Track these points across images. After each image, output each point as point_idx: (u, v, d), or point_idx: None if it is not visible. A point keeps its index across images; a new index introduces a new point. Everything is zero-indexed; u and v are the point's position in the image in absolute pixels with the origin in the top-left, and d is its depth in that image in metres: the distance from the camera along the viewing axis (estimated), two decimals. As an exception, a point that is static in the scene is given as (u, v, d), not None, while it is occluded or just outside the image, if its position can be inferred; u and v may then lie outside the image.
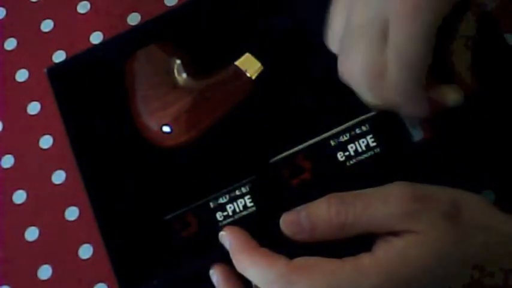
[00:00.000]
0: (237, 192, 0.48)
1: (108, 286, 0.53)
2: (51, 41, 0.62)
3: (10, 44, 0.63)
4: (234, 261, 0.39)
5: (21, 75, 0.61)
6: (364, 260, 0.36)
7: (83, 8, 0.63)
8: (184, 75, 0.51)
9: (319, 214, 0.38)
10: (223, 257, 0.43)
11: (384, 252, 0.36)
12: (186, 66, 0.52)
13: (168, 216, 0.49)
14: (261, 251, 0.38)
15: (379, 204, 0.37)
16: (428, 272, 0.35)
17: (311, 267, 0.36)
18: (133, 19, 0.62)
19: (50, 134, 0.59)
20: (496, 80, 0.48)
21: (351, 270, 0.35)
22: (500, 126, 0.47)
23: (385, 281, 0.35)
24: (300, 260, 0.37)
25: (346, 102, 0.46)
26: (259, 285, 0.37)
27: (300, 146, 0.46)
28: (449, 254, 0.35)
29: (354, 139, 0.46)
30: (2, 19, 0.64)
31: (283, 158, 0.46)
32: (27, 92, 0.61)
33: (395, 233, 0.36)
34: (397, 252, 0.36)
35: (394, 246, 0.36)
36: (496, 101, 0.48)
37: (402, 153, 0.45)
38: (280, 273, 0.36)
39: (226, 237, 0.40)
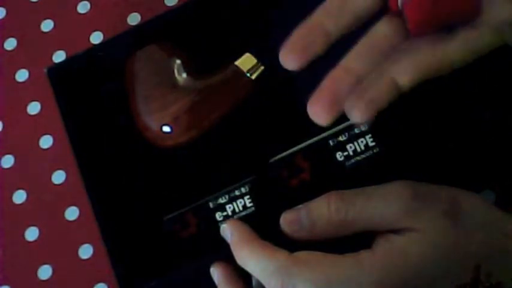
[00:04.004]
0: (237, 193, 0.48)
1: (108, 286, 0.53)
2: (51, 41, 0.62)
3: (10, 44, 0.63)
4: (235, 253, 0.39)
5: (21, 75, 0.61)
6: (364, 256, 0.36)
7: (83, 8, 0.63)
8: (184, 75, 0.51)
9: (319, 212, 0.38)
10: (223, 257, 0.43)
11: (384, 249, 0.36)
12: (186, 66, 0.52)
13: (168, 216, 0.49)
14: (261, 243, 0.38)
15: (379, 202, 0.37)
16: (427, 269, 0.35)
17: (312, 261, 0.36)
18: (133, 19, 0.62)
19: (50, 134, 0.59)
20: (496, 80, 0.48)
21: (351, 266, 0.35)
22: (500, 126, 0.47)
23: (385, 277, 0.35)
24: (300, 254, 0.37)
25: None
26: (258, 277, 0.37)
27: (299, 146, 0.46)
28: (448, 253, 0.35)
29: (352, 139, 0.46)
30: (2, 19, 0.64)
31: (282, 158, 0.46)
32: (27, 92, 0.61)
33: (395, 231, 0.36)
34: (397, 250, 0.36)
35: (394, 243, 0.36)
36: (495, 101, 0.48)
37: (402, 153, 0.45)
38: (281, 265, 0.36)
39: (227, 229, 0.40)
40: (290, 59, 0.36)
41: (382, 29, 0.37)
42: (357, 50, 0.37)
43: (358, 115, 0.34)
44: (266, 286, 0.37)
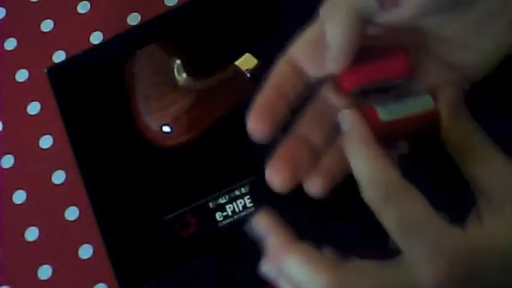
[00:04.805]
0: (237, 193, 0.48)
1: (108, 286, 0.53)
2: (51, 41, 0.62)
3: (10, 44, 0.63)
4: (349, 147, 0.36)
5: (21, 75, 0.61)
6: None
7: (83, 8, 0.63)
8: (184, 75, 0.51)
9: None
10: (222, 257, 0.43)
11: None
12: (186, 66, 0.52)
13: (168, 217, 0.49)
14: (379, 150, 0.35)
15: None
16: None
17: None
18: (133, 19, 0.62)
19: (50, 134, 0.59)
20: (495, 80, 0.48)
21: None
22: (500, 125, 0.47)
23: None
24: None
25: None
26: (362, 179, 0.35)
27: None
28: None
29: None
30: (2, 19, 0.64)
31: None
32: (27, 92, 0.61)
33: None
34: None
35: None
36: (495, 101, 0.48)
37: (402, 153, 0.45)
38: (391, 178, 0.34)
39: (348, 115, 0.36)
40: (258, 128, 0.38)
41: (328, 96, 0.37)
42: (309, 117, 0.38)
43: (318, 191, 0.36)
44: (366, 191, 0.34)
